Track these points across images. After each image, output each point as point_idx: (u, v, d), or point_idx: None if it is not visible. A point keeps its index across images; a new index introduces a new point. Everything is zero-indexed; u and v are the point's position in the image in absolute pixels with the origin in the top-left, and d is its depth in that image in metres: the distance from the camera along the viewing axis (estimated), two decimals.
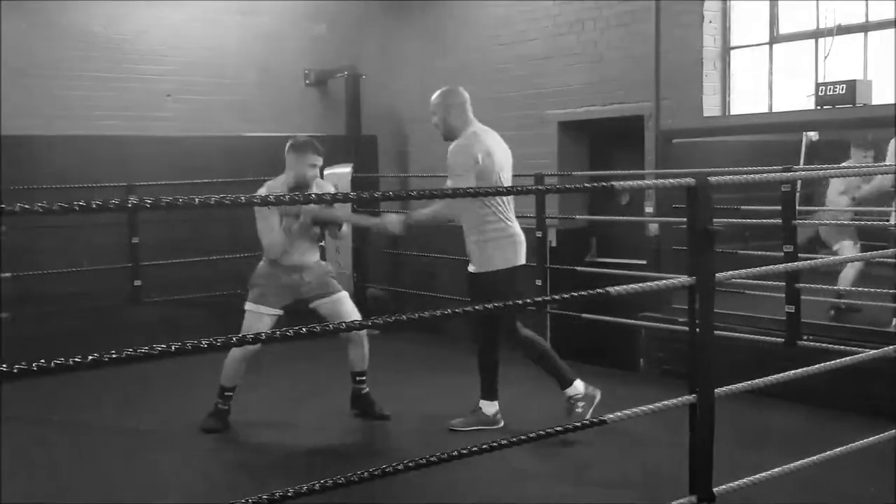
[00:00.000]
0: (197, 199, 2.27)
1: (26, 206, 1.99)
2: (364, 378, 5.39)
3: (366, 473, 2.52)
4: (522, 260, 4.93)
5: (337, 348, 5.43)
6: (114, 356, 2.12)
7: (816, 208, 6.51)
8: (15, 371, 1.95)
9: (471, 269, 4.94)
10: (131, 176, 7.22)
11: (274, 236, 5.00)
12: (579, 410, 4.82)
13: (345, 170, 8.08)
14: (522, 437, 3.10)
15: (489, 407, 5.06)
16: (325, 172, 8.23)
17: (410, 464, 2.75)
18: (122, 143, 7.70)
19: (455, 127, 4.91)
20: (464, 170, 4.66)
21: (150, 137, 7.94)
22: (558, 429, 3.28)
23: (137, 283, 7.42)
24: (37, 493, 4.37)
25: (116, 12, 7.90)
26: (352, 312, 5.19)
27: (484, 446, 2.91)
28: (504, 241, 4.81)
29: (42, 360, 2.00)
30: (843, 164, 6.19)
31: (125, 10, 7.94)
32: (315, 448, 5.00)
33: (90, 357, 2.08)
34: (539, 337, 5.10)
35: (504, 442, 2.94)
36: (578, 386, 4.92)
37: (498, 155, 4.84)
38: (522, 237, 4.93)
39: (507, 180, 4.91)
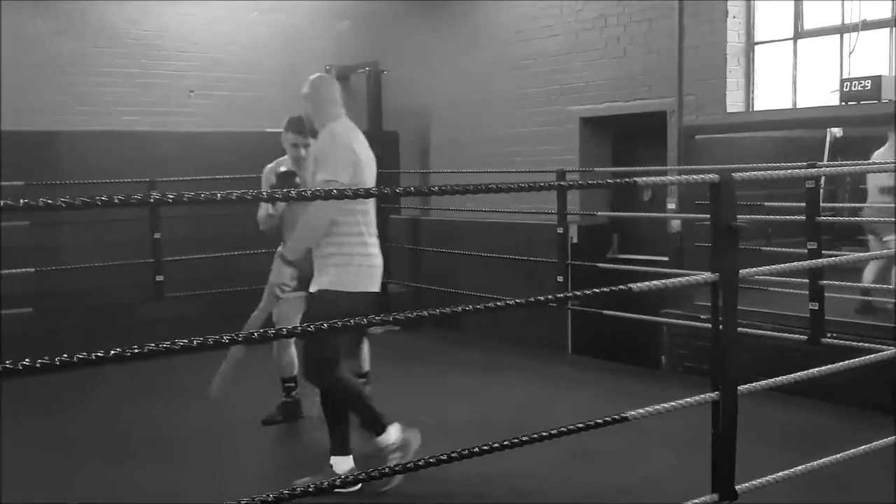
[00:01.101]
0: (219, 195, 2.28)
1: (49, 201, 1.99)
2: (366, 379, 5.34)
3: (375, 472, 2.52)
4: (375, 286, 4.17)
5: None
6: (135, 351, 2.13)
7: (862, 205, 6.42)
8: (27, 367, 1.96)
9: (312, 287, 4.10)
10: (154, 171, 7.26)
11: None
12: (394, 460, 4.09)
13: None
14: (543, 433, 3.09)
15: (343, 463, 4.15)
16: None
17: (420, 462, 2.74)
18: (145, 139, 7.75)
19: (319, 116, 4.25)
20: (343, 163, 4.00)
21: (173, 133, 7.99)
22: (579, 425, 3.27)
23: (159, 278, 7.45)
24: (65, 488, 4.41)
25: (140, 9, 7.95)
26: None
27: (505, 443, 2.90)
28: (359, 259, 4.08)
29: (65, 356, 2.01)
30: (879, 150, 6.14)
31: (148, 7, 7.98)
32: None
33: (112, 352, 2.09)
34: (355, 381, 4.31)
35: (525, 438, 2.94)
36: (392, 434, 4.12)
37: (364, 155, 4.18)
38: (380, 260, 4.21)
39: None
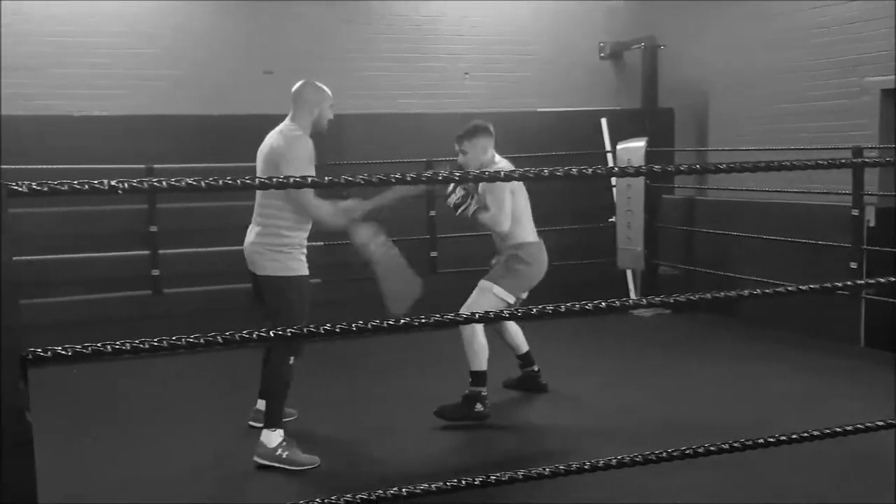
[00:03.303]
0: (486, 173, 2.37)
1: (350, 178, 2.20)
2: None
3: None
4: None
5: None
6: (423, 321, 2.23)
7: None
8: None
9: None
10: (431, 151, 7.54)
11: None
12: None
13: (639, 144, 7.92)
14: (826, 430, 2.86)
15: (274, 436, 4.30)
16: (619, 147, 8.14)
17: (696, 451, 2.63)
18: (422, 121, 8.06)
19: None
20: None
21: (448, 115, 8.24)
22: (878, 423, 2.99)
23: (433, 254, 7.77)
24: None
25: None
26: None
27: (777, 439, 2.72)
28: None
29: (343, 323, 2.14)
30: None
31: None
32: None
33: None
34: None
35: (804, 434, 2.73)
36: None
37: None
38: (246, 242, 4.50)
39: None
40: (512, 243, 5.06)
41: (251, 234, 4.45)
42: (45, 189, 1.98)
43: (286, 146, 4.31)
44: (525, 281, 5.05)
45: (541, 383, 5.49)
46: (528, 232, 5.09)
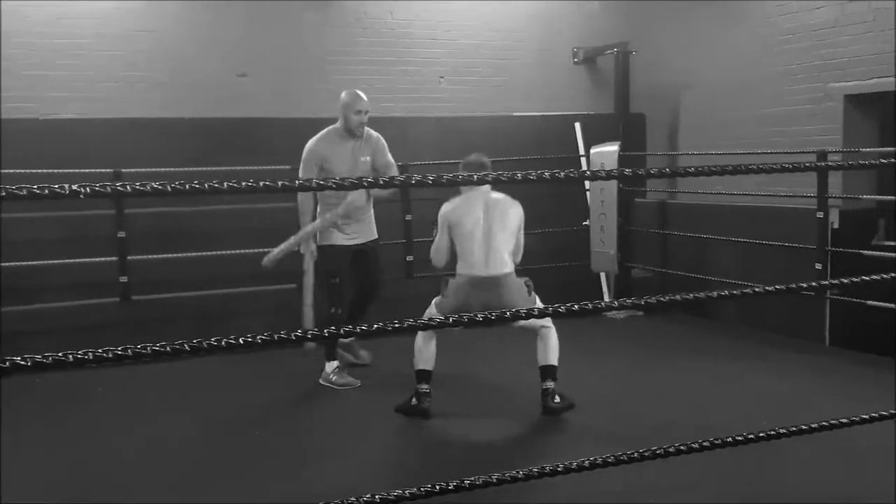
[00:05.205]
0: (470, 176, 2.38)
1: (322, 182, 2.17)
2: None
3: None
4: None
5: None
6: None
7: None
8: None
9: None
10: (409, 155, 7.53)
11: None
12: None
13: (611, 148, 7.98)
14: (802, 426, 2.90)
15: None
16: (592, 151, 8.20)
17: (675, 450, 2.66)
18: (400, 125, 8.05)
19: None
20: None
21: (426, 118, 8.27)
22: (842, 420, 3.05)
23: (409, 258, 7.77)
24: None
25: None
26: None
27: (752, 436, 2.75)
28: None
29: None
30: None
31: None
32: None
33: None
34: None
35: (782, 431, 2.78)
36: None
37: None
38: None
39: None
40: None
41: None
42: (3, 194, 1.90)
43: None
44: (451, 307, 4.97)
45: (548, 404, 5.02)
46: (463, 266, 5.06)
